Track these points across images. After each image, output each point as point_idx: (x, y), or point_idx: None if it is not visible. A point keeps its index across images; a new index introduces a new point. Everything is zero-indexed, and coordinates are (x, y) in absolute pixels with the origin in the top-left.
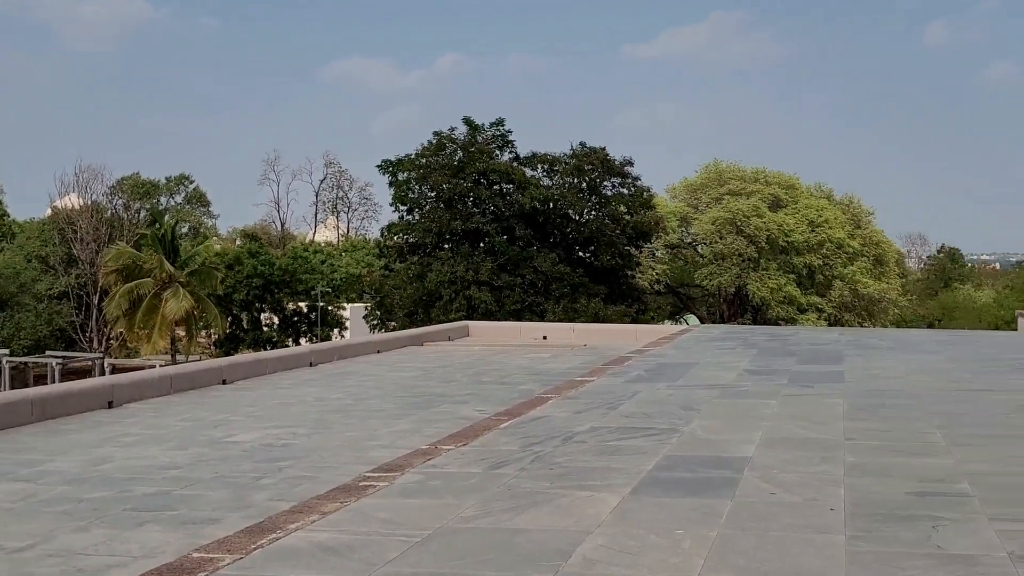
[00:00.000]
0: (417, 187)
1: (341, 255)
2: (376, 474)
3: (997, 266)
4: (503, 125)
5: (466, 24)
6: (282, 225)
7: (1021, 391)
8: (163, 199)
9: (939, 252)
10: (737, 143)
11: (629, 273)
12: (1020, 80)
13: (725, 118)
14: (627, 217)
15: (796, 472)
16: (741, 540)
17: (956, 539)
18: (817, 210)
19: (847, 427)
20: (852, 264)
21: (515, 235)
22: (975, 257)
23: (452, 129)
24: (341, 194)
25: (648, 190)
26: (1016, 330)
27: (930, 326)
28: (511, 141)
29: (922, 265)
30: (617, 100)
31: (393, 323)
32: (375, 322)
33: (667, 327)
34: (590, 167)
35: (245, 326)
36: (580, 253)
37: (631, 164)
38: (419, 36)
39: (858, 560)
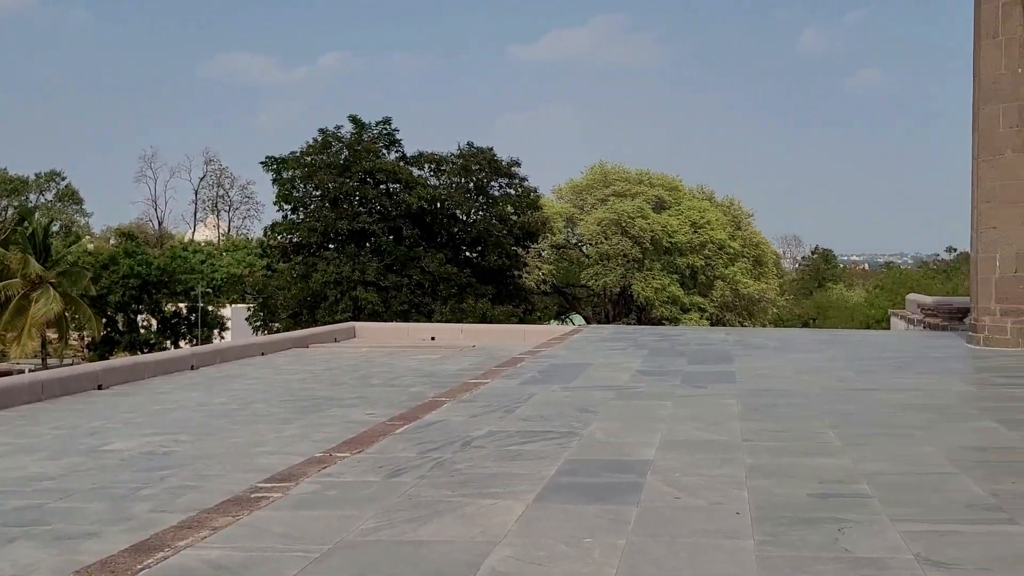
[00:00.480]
0: (302, 185)
1: (222, 255)
2: (269, 484)
3: (866, 267)
4: (390, 124)
5: (350, 21)
6: (160, 224)
7: (903, 390)
8: (32, 196)
9: (813, 253)
10: (622, 145)
11: (516, 273)
12: (884, 87)
13: (609, 120)
14: (514, 217)
15: (698, 475)
16: (651, 547)
17: (862, 541)
18: (699, 212)
19: (743, 428)
20: (733, 265)
21: (402, 235)
22: (846, 258)
23: (338, 127)
24: (222, 192)
25: (535, 191)
26: (889, 328)
27: (805, 325)
28: (398, 140)
29: (797, 266)
30: (503, 101)
31: (277, 324)
32: (258, 323)
33: (555, 327)
34: (477, 167)
35: (121, 328)
36: (467, 253)
37: (518, 165)
38: (302, 32)
39: (769, 565)
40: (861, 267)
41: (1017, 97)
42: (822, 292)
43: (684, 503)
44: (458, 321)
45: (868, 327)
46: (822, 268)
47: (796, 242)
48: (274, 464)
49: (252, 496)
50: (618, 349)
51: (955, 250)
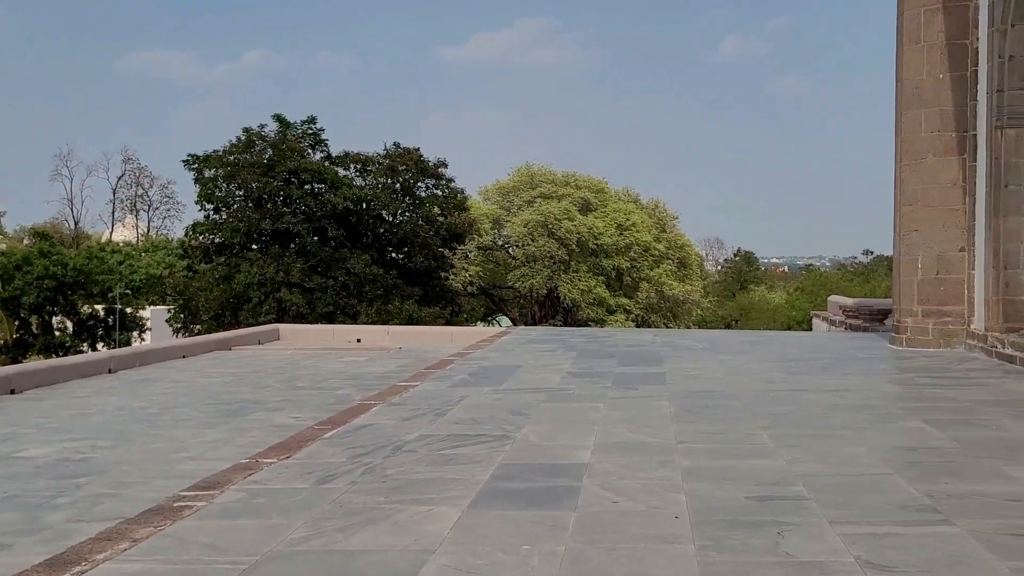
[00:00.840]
0: (224, 185)
1: (141, 255)
2: (192, 492)
3: (786, 269)
4: (315, 123)
5: (274, 19)
6: (76, 223)
7: (831, 390)
8: None
9: (735, 255)
10: (548, 147)
11: (443, 275)
12: (803, 93)
13: (535, 121)
14: (441, 219)
15: (635, 478)
16: (591, 554)
17: (803, 545)
18: (625, 214)
19: (677, 430)
20: (658, 267)
21: (327, 236)
22: (767, 260)
23: (262, 126)
24: (141, 192)
25: (462, 192)
26: (811, 329)
27: (728, 326)
28: (323, 140)
29: (719, 268)
30: (429, 102)
31: (199, 327)
32: (179, 325)
33: (482, 328)
34: (404, 168)
35: (35, 331)
36: (394, 254)
37: (445, 166)
38: (225, 29)
39: (711, 571)
40: (782, 269)
41: (939, 102)
42: (744, 294)
43: (622, 507)
44: (384, 323)
45: (790, 328)
46: (744, 270)
47: (719, 244)
48: (197, 470)
49: (175, 505)
50: (547, 351)
51: (872, 253)
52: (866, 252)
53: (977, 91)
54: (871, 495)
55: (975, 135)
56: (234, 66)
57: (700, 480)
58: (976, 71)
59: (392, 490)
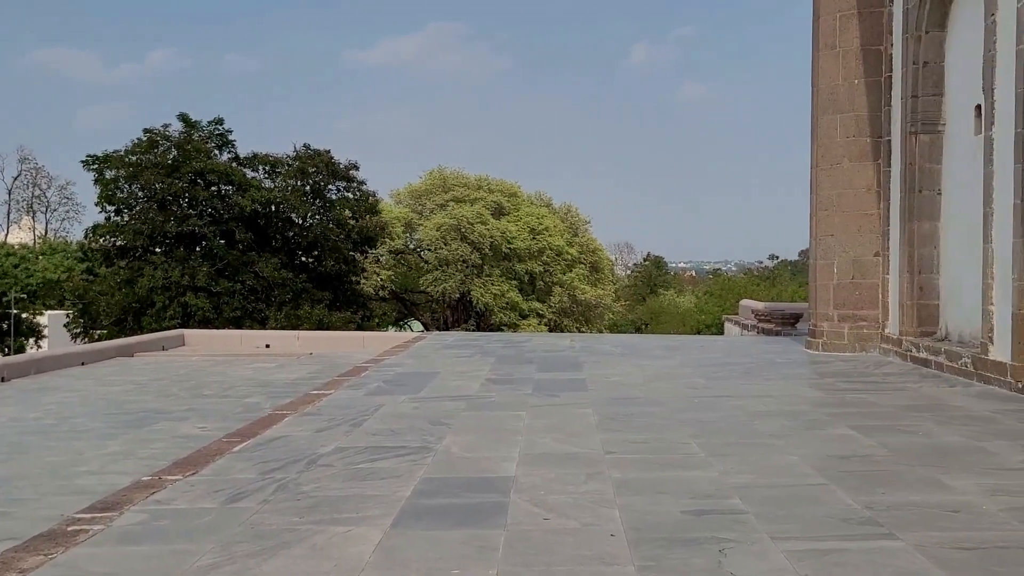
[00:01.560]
0: (127, 186)
1: (38, 258)
2: (89, 515)
3: (693, 273)
4: (222, 124)
5: (181, 20)
6: None
7: (755, 396)
8: None
9: (645, 260)
10: (459, 151)
11: (354, 279)
12: (711, 101)
13: (447, 126)
14: (352, 222)
15: (565, 493)
16: None
17: (747, 564)
18: (538, 218)
19: (604, 439)
20: (571, 271)
21: (235, 239)
22: (675, 265)
23: (166, 126)
24: (38, 193)
25: (374, 195)
26: (723, 333)
27: (638, 330)
28: (231, 141)
29: (629, 272)
30: (339, 106)
31: (99, 332)
32: (78, 331)
33: (394, 334)
34: (314, 170)
35: None
36: (303, 258)
37: (356, 168)
38: (128, 28)
39: None
40: (689, 274)
41: (854, 108)
42: (654, 298)
43: (554, 525)
44: (294, 328)
45: (699, 332)
46: (654, 274)
47: (628, 249)
48: (96, 486)
49: (69, 529)
50: (464, 357)
51: (777, 258)
52: (772, 257)
53: (891, 96)
54: (810, 507)
55: (890, 140)
56: (137, 66)
57: (633, 493)
58: (891, 76)
59: (308, 509)
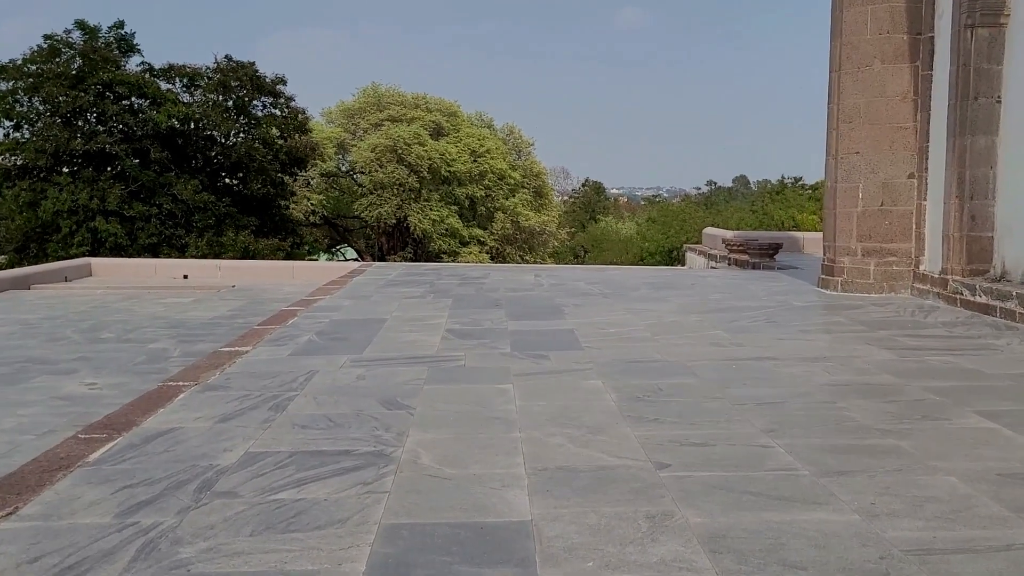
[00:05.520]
0: (26, 99)
1: None
2: None
3: (626, 199)
4: (123, 28)
5: None
6: None
7: (806, 359)
8: None
9: (584, 185)
10: (394, 71)
11: (283, 203)
12: (647, 27)
13: (380, 45)
14: (280, 141)
15: (627, 561)
16: None
17: None
18: (479, 139)
19: (642, 438)
20: (514, 196)
21: (150, 158)
22: (609, 191)
23: (68, 31)
24: None
25: (303, 112)
26: (684, 264)
27: (577, 256)
28: (135, 46)
29: (565, 198)
30: (265, 21)
31: None
32: None
33: (326, 264)
34: (237, 84)
35: None
36: (227, 180)
37: (284, 83)
38: None
39: None
40: (623, 200)
41: None
42: (594, 224)
43: None
44: (216, 256)
45: (643, 260)
46: (594, 200)
47: (565, 174)
48: None
49: None
50: (414, 297)
51: (715, 183)
52: (710, 183)
53: None
54: None
55: (931, 37)
56: None
57: (741, 562)
58: None
59: None
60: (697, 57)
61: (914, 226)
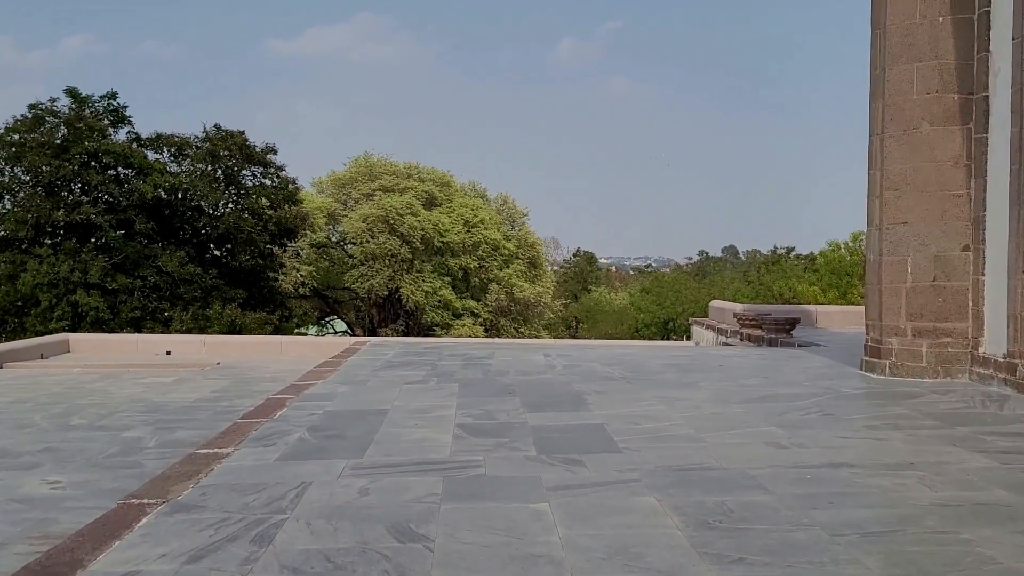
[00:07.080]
0: (8, 169)
1: None
2: None
3: (615, 269)
4: (116, 98)
5: (97, 4)
6: None
7: (891, 467)
8: None
9: (575, 255)
10: (386, 142)
11: (271, 275)
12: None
13: (373, 116)
14: (270, 212)
15: None
16: None
17: None
18: (472, 209)
19: None
20: (508, 267)
21: (134, 229)
22: (601, 261)
23: (53, 100)
24: None
25: (293, 182)
26: (690, 339)
27: (568, 328)
28: (127, 117)
29: (556, 268)
30: (261, 95)
31: None
32: None
33: (316, 339)
34: (226, 153)
35: None
36: (214, 251)
37: (274, 152)
38: (43, 12)
39: None
40: (613, 269)
41: (937, 54)
42: (587, 295)
43: None
44: (202, 330)
45: (638, 331)
46: (586, 270)
47: (555, 244)
48: None
49: None
50: (416, 382)
51: (706, 253)
52: (701, 252)
53: (989, 39)
54: None
55: (986, 97)
56: (52, 51)
57: None
58: (988, 12)
59: None
60: (686, 126)
61: (971, 304)
